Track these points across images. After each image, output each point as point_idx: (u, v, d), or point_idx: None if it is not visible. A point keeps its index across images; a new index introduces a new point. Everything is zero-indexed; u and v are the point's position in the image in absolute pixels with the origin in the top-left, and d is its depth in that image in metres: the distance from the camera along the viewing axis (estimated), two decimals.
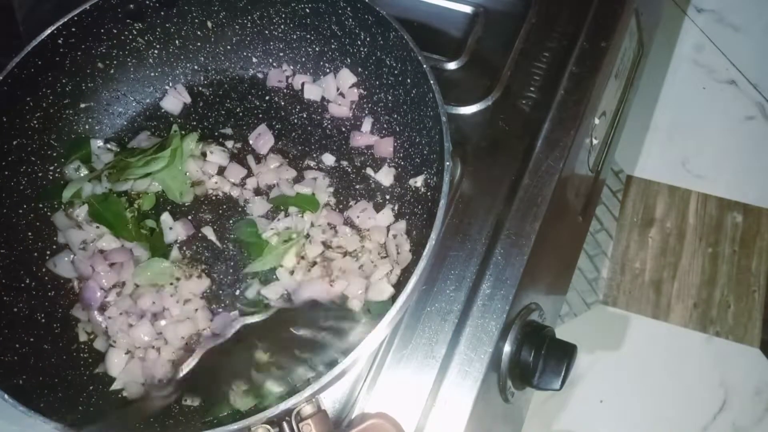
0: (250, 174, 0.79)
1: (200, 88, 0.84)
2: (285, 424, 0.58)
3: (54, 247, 0.74)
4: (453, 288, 0.71)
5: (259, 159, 0.79)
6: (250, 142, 0.80)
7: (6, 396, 0.58)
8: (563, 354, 0.69)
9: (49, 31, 0.71)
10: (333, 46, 0.80)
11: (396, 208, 0.76)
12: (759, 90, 1.37)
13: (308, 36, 0.81)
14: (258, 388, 0.64)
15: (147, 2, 0.77)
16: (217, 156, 0.78)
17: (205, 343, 0.69)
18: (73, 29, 0.73)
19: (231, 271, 0.74)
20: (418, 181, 0.75)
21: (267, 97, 0.84)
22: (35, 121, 0.74)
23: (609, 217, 1.28)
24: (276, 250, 0.72)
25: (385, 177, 0.77)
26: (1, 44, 0.84)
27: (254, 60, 0.84)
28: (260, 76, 0.84)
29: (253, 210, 0.76)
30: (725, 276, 1.22)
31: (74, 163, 0.76)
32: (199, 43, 0.83)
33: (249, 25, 0.82)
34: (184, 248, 0.75)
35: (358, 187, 0.78)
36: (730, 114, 1.36)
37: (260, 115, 0.82)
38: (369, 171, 0.78)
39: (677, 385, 1.14)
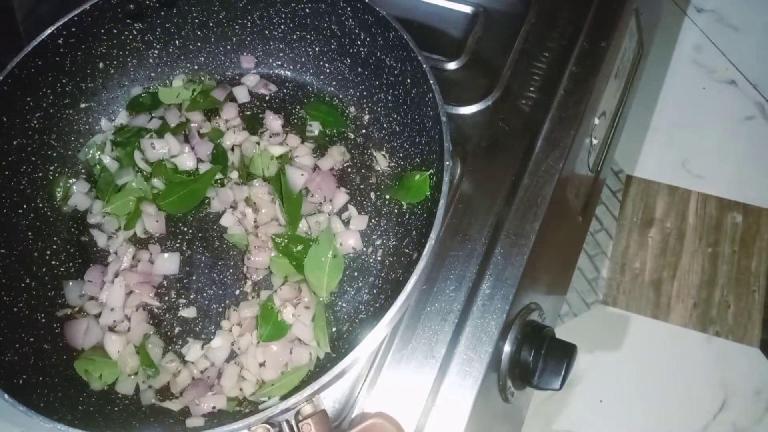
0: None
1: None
2: (284, 424, 0.58)
3: (54, 247, 0.74)
4: (453, 288, 0.71)
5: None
6: None
7: (6, 396, 0.58)
8: (563, 354, 0.69)
9: (49, 31, 0.71)
10: (333, 46, 0.80)
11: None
12: (759, 90, 1.37)
13: (308, 36, 0.81)
14: None
15: (147, 2, 0.77)
16: None
17: None
18: (73, 29, 0.73)
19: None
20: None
21: (267, 98, 0.84)
22: (35, 121, 0.74)
23: (609, 217, 1.28)
24: None
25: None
26: (1, 44, 0.84)
27: (254, 60, 0.85)
28: (258, 76, 0.85)
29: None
30: (725, 276, 1.22)
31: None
32: (199, 44, 0.83)
33: (249, 26, 0.82)
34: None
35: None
36: (730, 114, 1.35)
37: (260, 115, 0.82)
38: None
39: (677, 385, 1.14)
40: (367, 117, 0.81)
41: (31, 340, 0.67)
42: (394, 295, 0.60)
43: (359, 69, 0.80)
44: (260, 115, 0.82)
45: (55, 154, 0.76)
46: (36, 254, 0.73)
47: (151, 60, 0.82)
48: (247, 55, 0.84)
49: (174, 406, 0.67)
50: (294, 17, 0.80)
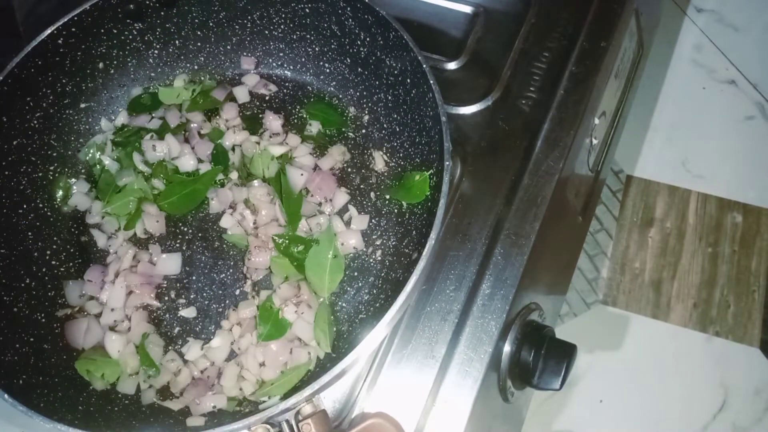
0: None
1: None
2: (284, 424, 0.58)
3: (54, 247, 0.74)
4: (453, 288, 0.71)
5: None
6: None
7: (6, 396, 0.58)
8: (563, 354, 0.69)
9: (49, 31, 0.71)
10: (333, 46, 0.80)
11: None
12: (759, 90, 1.37)
13: (308, 36, 0.81)
14: None
15: (147, 2, 0.77)
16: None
17: None
18: (73, 29, 0.73)
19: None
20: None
21: (267, 98, 0.84)
22: (35, 121, 0.74)
23: (609, 217, 1.27)
24: None
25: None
26: (1, 44, 0.84)
27: (254, 60, 0.85)
28: (258, 76, 0.85)
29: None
30: (725, 276, 1.22)
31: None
32: (199, 44, 0.83)
33: (249, 26, 0.82)
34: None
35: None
36: (730, 114, 1.35)
37: (260, 115, 0.82)
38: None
39: (677, 385, 1.14)
40: (367, 117, 0.81)
41: (31, 340, 0.67)
42: (394, 295, 0.60)
43: (359, 69, 0.80)
44: (260, 115, 0.82)
45: (55, 154, 0.76)
46: (36, 254, 0.73)
47: (151, 60, 0.82)
48: (247, 55, 0.84)
49: (174, 405, 0.67)
50: (294, 17, 0.80)
